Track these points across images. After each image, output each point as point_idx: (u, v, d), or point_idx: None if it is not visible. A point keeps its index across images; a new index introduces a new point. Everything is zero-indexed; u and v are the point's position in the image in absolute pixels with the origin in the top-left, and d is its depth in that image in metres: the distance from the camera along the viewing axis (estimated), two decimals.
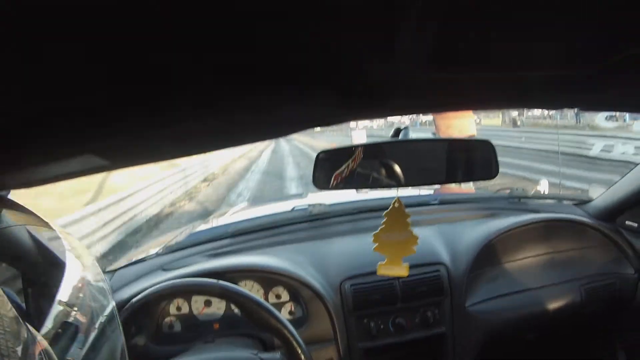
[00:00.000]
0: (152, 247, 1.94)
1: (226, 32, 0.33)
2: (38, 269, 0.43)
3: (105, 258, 6.94)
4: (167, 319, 1.52)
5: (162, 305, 1.50)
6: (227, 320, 1.52)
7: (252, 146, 35.87)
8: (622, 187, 1.82)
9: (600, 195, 1.93)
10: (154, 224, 9.70)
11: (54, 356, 0.40)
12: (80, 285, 0.46)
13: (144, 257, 1.72)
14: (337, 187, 1.10)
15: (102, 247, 7.33)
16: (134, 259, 1.73)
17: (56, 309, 0.41)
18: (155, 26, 0.31)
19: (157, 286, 1.18)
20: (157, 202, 11.02)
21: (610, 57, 0.47)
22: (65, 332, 0.41)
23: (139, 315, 1.21)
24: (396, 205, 1.07)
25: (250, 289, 1.54)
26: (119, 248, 7.56)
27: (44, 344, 0.40)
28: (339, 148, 1.16)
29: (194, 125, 0.53)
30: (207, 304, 1.54)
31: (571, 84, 0.56)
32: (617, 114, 14.82)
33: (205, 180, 16.57)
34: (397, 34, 0.38)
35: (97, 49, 0.31)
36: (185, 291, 1.23)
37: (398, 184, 1.07)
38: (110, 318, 0.50)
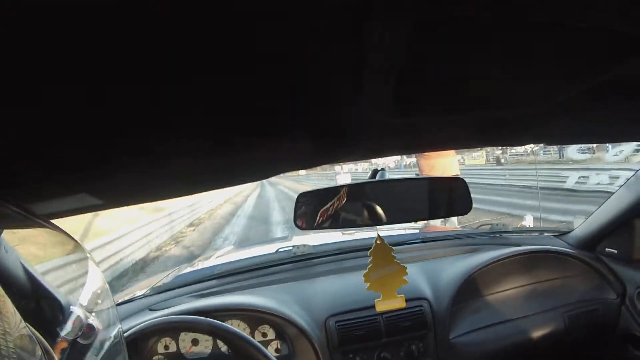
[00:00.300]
0: (138, 289, 1.94)
1: (206, 82, 0.38)
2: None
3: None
4: (155, 358, 1.51)
5: (150, 343, 1.50)
6: (214, 359, 1.53)
7: (237, 190, 35.81)
8: (599, 215, 1.87)
9: (580, 225, 1.98)
10: (140, 267, 9.56)
11: (46, 344, 0.42)
12: (99, 292, 0.48)
13: (131, 298, 1.73)
14: (319, 227, 1.14)
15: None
16: (120, 300, 1.74)
17: (76, 312, 0.44)
18: (139, 78, 0.34)
19: (147, 322, 1.18)
20: (143, 246, 10.89)
21: (565, 94, 0.52)
22: (80, 343, 0.43)
23: (127, 353, 1.21)
24: (378, 242, 1.11)
25: (237, 328, 1.55)
26: None
27: (46, 345, 0.41)
28: (319, 190, 1.20)
29: (180, 170, 0.57)
30: (195, 342, 1.54)
31: (533, 121, 0.60)
32: (591, 146, 15.04)
33: (191, 224, 16.43)
34: (362, 81, 0.43)
35: (95, 94, 0.34)
36: (174, 328, 1.24)
37: (379, 222, 1.11)
38: (116, 343, 0.53)
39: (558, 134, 0.72)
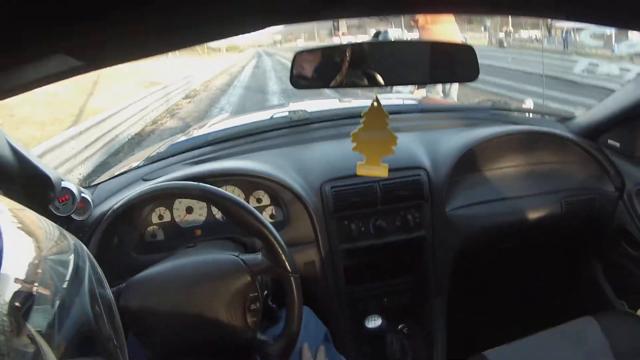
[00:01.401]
0: (133, 161, 1.93)
1: None
2: None
3: (88, 178, 6.91)
4: (150, 228, 1.53)
5: (144, 214, 1.51)
6: (208, 226, 1.54)
7: (233, 61, 35.11)
8: (606, 106, 1.79)
9: (584, 113, 1.91)
10: (137, 142, 9.62)
11: (45, 344, 0.41)
12: (36, 261, 0.45)
13: (125, 170, 1.71)
14: (315, 85, 1.08)
15: (84, 169, 7.27)
16: (116, 173, 1.72)
17: (12, 288, 0.40)
18: None
19: (138, 191, 1.15)
20: (138, 121, 10.86)
21: None
22: (24, 305, 0.41)
23: (122, 225, 1.20)
24: (375, 104, 1.06)
25: (231, 194, 1.55)
26: (101, 169, 7.51)
27: (35, 333, 0.41)
28: (317, 48, 1.12)
29: (165, 20, 0.50)
30: (189, 210, 1.55)
31: None
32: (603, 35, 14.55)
33: (186, 97, 16.29)
34: None
35: None
36: (166, 195, 1.22)
37: (379, 84, 1.05)
38: (74, 279, 0.50)
39: (582, 9, 0.64)
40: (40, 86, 0.56)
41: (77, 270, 0.52)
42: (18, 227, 0.48)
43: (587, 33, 14.90)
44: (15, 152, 1.10)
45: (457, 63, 1.11)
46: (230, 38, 0.70)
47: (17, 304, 0.40)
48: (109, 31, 0.48)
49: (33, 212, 0.53)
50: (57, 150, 6.57)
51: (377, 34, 1.11)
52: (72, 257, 0.53)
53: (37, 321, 0.42)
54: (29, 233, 0.49)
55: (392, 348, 1.58)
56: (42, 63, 0.49)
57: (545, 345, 1.34)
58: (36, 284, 0.44)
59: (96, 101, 11.98)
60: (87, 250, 0.58)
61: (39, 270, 0.45)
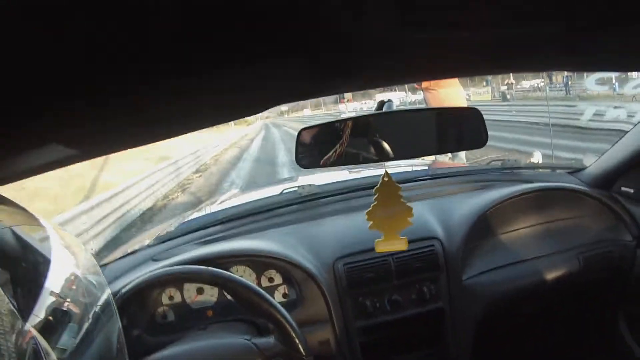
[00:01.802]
0: (144, 239, 1.91)
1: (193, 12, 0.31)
2: (25, 268, 0.43)
3: (100, 254, 6.92)
4: (160, 309, 1.49)
5: (154, 295, 1.48)
6: (220, 307, 1.50)
7: (242, 134, 35.96)
8: (615, 153, 1.78)
9: (594, 162, 1.89)
10: (148, 217, 9.71)
11: (45, 344, 0.39)
12: (72, 278, 0.46)
13: (135, 250, 1.69)
14: (322, 164, 1.06)
15: (96, 244, 7.31)
16: (126, 252, 1.70)
17: (47, 301, 0.39)
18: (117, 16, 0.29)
19: (146, 275, 1.15)
20: (149, 195, 11.02)
21: (590, 15, 0.44)
22: (57, 322, 0.41)
23: (132, 306, 1.18)
24: (385, 179, 1.04)
25: (242, 274, 1.51)
26: (113, 244, 7.55)
27: (34, 333, 0.40)
28: (321, 124, 1.12)
29: (163, 110, 0.49)
30: (200, 291, 1.51)
31: (552, 43, 0.53)
32: (606, 79, 14.81)
33: (197, 171, 16.57)
34: None
35: (62, 36, 0.29)
36: (174, 279, 1.21)
37: (387, 158, 1.04)
38: (105, 308, 0.50)
39: (579, 61, 0.64)
40: (38, 174, 0.56)
41: (110, 299, 0.52)
42: (61, 243, 0.48)
43: (592, 79, 15.15)
44: (20, 241, 1.09)
45: (465, 130, 1.10)
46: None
47: (50, 318, 0.40)
48: (103, 121, 0.47)
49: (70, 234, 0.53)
50: (69, 225, 6.63)
51: (381, 105, 1.11)
52: (107, 290, 0.52)
53: (65, 339, 0.41)
54: (68, 248, 0.49)
55: None
56: (36, 153, 0.48)
57: None
58: (69, 300, 0.44)
59: (107, 175, 12.19)
60: None
61: (74, 287, 0.46)
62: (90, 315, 0.46)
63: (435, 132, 1.09)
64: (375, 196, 1.06)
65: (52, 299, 0.41)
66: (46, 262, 0.42)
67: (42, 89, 0.36)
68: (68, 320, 0.42)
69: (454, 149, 1.33)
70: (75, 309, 0.44)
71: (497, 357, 1.95)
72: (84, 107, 0.41)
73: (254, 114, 0.67)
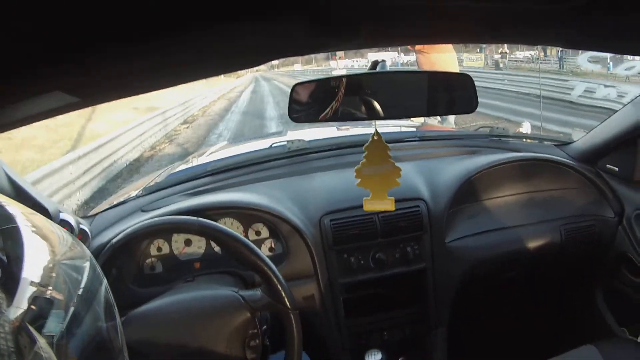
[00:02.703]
0: (132, 189, 1.91)
1: None
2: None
3: (86, 205, 6.90)
4: (148, 261, 1.51)
5: (142, 246, 1.49)
6: (207, 259, 1.52)
7: (231, 87, 35.43)
8: (604, 130, 1.79)
9: (582, 137, 1.91)
10: (135, 168, 9.62)
11: (32, 331, 0.40)
12: (50, 265, 0.45)
13: (124, 200, 1.69)
14: (314, 119, 1.07)
15: (82, 195, 7.27)
16: (114, 203, 1.71)
17: (27, 292, 0.40)
18: None
19: (135, 226, 1.15)
20: (137, 146, 10.88)
21: None
22: (41, 310, 0.41)
23: (120, 258, 1.19)
24: (375, 137, 1.05)
25: (230, 227, 1.52)
26: (100, 195, 7.51)
27: (22, 324, 0.40)
28: (316, 80, 1.12)
29: (162, 58, 0.50)
30: (188, 243, 1.53)
31: (552, 19, 0.53)
32: (600, 57, 14.70)
33: (185, 122, 16.36)
34: None
35: None
36: (164, 230, 1.21)
37: (378, 117, 1.04)
38: (90, 285, 0.50)
39: (575, 38, 0.64)
40: (37, 121, 0.56)
41: (94, 278, 0.52)
42: (32, 231, 0.47)
43: (585, 57, 15.04)
44: (12, 184, 1.10)
45: (455, 95, 1.11)
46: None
47: (32, 307, 0.40)
48: (105, 69, 0.47)
49: (44, 217, 0.52)
50: (56, 175, 6.58)
51: (374, 64, 1.10)
52: (87, 264, 0.52)
53: (51, 326, 0.42)
54: (43, 237, 0.48)
55: None
56: (39, 100, 0.48)
57: None
58: (50, 288, 0.44)
59: (95, 125, 12.02)
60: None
61: (53, 274, 0.45)
62: (75, 298, 0.46)
63: (426, 95, 1.09)
64: (365, 154, 1.07)
65: (33, 289, 0.41)
66: (20, 253, 0.42)
67: (42, 38, 0.36)
68: (52, 307, 0.42)
69: (444, 112, 1.33)
70: (58, 295, 0.44)
71: (475, 319, 2.00)
72: (86, 55, 0.41)
73: (250, 67, 0.67)
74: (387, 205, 1.09)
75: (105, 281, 0.55)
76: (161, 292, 1.19)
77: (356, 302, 1.61)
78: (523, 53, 27.06)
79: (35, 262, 0.44)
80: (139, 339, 1.01)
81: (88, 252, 0.54)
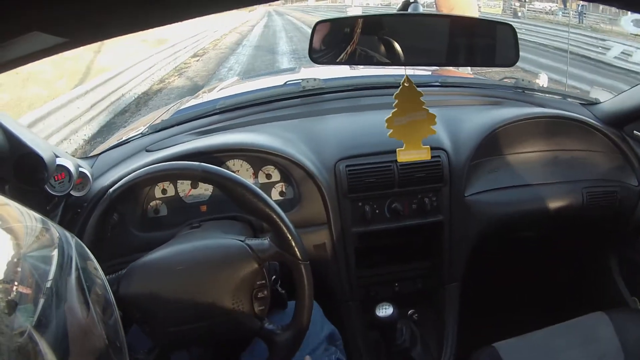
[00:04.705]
0: (138, 126, 1.85)
1: None
2: None
3: (93, 141, 6.90)
4: (153, 203, 1.46)
5: (146, 189, 1.44)
6: (215, 202, 1.47)
7: (243, 19, 34.80)
8: (634, 94, 1.69)
9: (609, 99, 1.81)
10: (143, 101, 9.58)
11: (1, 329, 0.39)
12: (15, 260, 0.44)
13: (128, 138, 1.64)
14: (335, 62, 0.99)
15: (89, 130, 7.26)
16: (120, 140, 1.65)
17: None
18: None
19: (135, 173, 1.08)
20: (145, 79, 10.79)
21: None
22: (8, 307, 0.40)
23: (122, 201, 1.14)
24: (406, 84, 0.97)
25: (239, 169, 1.48)
26: (107, 129, 7.50)
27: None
28: (339, 18, 1.03)
29: None
30: (194, 185, 1.48)
31: None
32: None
33: (195, 55, 16.14)
34: None
35: None
36: (166, 177, 1.15)
37: (400, 62, 0.97)
38: (59, 278, 0.48)
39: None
40: (22, 64, 0.51)
41: (63, 266, 0.49)
42: None
43: (628, 18, 14.47)
44: (5, 132, 1.06)
45: (495, 46, 1.02)
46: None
47: None
48: (85, 6, 0.42)
49: (16, 205, 0.50)
50: (63, 110, 6.56)
51: (406, 5, 1.00)
52: (56, 252, 0.49)
53: (21, 321, 0.40)
54: (8, 230, 0.46)
55: (402, 335, 1.54)
56: (18, 42, 0.44)
57: (556, 340, 1.32)
58: (16, 283, 0.42)
59: (102, 58, 11.87)
60: (77, 240, 0.54)
61: (19, 269, 0.43)
62: (44, 292, 0.45)
63: (464, 43, 1.01)
64: (395, 102, 1.00)
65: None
66: None
67: None
68: (20, 302, 0.41)
69: (482, 63, 1.23)
70: (25, 290, 0.43)
71: (488, 276, 1.98)
72: None
73: (264, 3, 0.60)
74: (423, 154, 1.05)
75: (76, 263, 0.52)
76: (165, 237, 1.15)
77: (368, 252, 1.58)
78: (542, 4, 26.42)
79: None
80: (141, 291, 0.97)
81: (57, 237, 0.51)
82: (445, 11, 4.41)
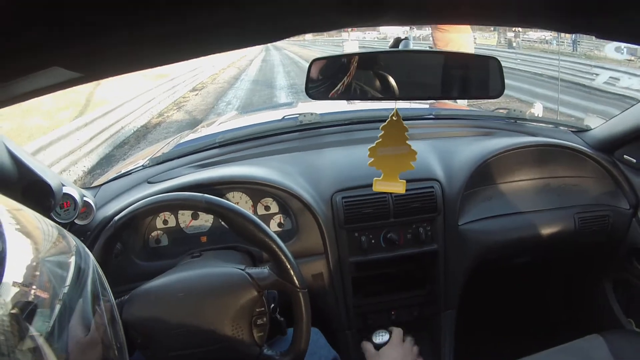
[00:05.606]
0: (139, 158, 1.88)
1: None
2: None
3: (92, 172, 6.92)
4: (154, 233, 1.49)
5: (148, 219, 1.47)
6: (215, 233, 1.50)
7: (241, 54, 35.20)
8: (623, 119, 1.74)
9: (600, 125, 1.86)
10: (142, 134, 9.60)
11: (17, 332, 0.39)
12: (34, 264, 0.44)
13: (130, 170, 1.67)
14: (331, 97, 1.03)
15: (89, 162, 7.28)
16: (121, 172, 1.68)
17: (10, 293, 0.39)
18: None
19: (140, 203, 1.11)
20: (144, 113, 10.85)
21: None
22: (25, 311, 0.40)
23: (124, 232, 1.17)
24: (394, 118, 1.01)
25: (239, 201, 1.51)
26: (107, 161, 7.52)
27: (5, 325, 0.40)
28: (334, 56, 1.08)
29: (175, 29, 0.46)
30: (194, 216, 1.51)
31: (587, 5, 0.50)
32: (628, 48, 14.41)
33: (194, 89, 16.27)
34: None
35: None
36: (169, 206, 1.18)
37: (394, 97, 1.01)
38: (75, 285, 0.48)
39: (611, 28, 0.62)
40: (37, 96, 0.55)
41: (79, 273, 0.50)
42: (16, 229, 0.46)
43: (612, 46, 14.73)
44: (14, 159, 1.09)
45: (481, 78, 1.06)
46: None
47: (16, 308, 0.39)
48: (104, 45, 0.44)
49: (31, 211, 0.51)
50: (63, 141, 6.59)
51: (397, 42, 1.05)
52: (73, 259, 0.50)
53: (37, 325, 0.40)
54: (27, 234, 0.47)
55: None
56: (37, 76, 0.46)
57: None
58: (34, 287, 0.42)
59: (102, 91, 11.96)
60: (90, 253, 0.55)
61: (37, 273, 0.44)
62: (61, 296, 0.45)
63: (450, 77, 1.05)
64: (381, 134, 1.03)
65: (16, 289, 0.40)
66: (2, 253, 0.41)
67: (39, 15, 0.34)
68: (37, 306, 0.41)
69: (469, 96, 1.28)
70: (42, 294, 0.43)
71: (484, 304, 1.99)
72: (84, 30, 0.39)
73: (276, 41, 0.64)
74: (398, 187, 1.06)
75: (92, 273, 0.53)
76: (167, 266, 1.18)
77: (365, 281, 1.60)
78: (536, 34, 26.83)
79: (18, 262, 0.42)
80: (143, 316, 0.99)
81: (74, 245, 0.52)
82: (441, 45, 4.52)
